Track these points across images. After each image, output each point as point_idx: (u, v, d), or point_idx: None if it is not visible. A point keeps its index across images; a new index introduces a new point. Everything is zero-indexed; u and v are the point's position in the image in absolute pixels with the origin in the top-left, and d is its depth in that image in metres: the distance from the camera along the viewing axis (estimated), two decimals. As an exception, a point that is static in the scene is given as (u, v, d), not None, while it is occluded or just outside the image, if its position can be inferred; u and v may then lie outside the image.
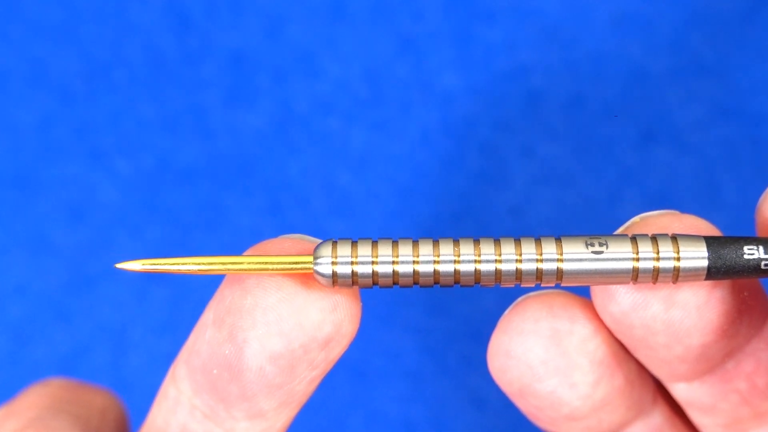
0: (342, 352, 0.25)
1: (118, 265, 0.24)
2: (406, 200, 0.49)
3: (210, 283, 0.25)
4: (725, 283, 0.25)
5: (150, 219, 0.49)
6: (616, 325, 0.26)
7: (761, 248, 0.24)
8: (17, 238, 0.49)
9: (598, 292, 0.26)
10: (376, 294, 0.46)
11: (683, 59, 0.49)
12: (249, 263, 0.24)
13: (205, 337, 0.25)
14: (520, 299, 0.27)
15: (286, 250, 0.24)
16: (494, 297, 0.47)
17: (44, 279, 0.49)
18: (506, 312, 0.27)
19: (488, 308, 0.48)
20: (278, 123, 0.49)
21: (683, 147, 0.48)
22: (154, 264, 0.24)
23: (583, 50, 0.49)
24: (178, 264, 0.24)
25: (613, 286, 0.25)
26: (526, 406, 0.27)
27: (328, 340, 0.24)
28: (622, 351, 0.27)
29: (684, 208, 0.50)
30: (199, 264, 0.24)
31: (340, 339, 0.24)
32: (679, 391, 0.28)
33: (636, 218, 0.26)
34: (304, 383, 0.25)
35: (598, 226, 0.25)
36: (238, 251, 0.25)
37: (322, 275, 0.24)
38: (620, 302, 0.25)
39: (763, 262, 0.24)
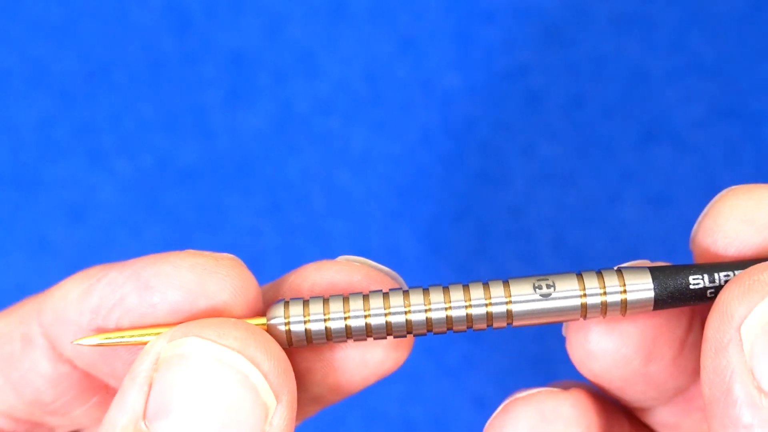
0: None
1: (76, 342, 0.24)
2: (406, 200, 0.49)
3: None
4: (698, 328, 0.26)
5: (150, 219, 0.49)
6: (595, 379, 0.26)
7: (705, 277, 0.24)
8: (17, 238, 0.49)
9: (575, 350, 0.26)
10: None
11: (683, 59, 0.49)
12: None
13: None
14: (507, 402, 0.27)
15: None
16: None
17: (44, 279, 0.48)
18: (496, 415, 0.27)
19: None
20: (278, 123, 0.49)
21: (683, 147, 0.48)
22: (108, 338, 0.24)
23: (583, 50, 0.49)
24: (134, 336, 0.24)
25: (592, 343, 0.26)
26: None
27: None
28: (604, 412, 0.27)
29: (684, 208, 0.50)
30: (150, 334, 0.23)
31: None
32: (646, 414, 0.28)
33: None
34: None
35: (598, 226, 0.26)
36: (237, 251, 0.25)
37: (277, 336, 0.24)
38: (600, 360, 0.26)
39: (708, 291, 0.24)
